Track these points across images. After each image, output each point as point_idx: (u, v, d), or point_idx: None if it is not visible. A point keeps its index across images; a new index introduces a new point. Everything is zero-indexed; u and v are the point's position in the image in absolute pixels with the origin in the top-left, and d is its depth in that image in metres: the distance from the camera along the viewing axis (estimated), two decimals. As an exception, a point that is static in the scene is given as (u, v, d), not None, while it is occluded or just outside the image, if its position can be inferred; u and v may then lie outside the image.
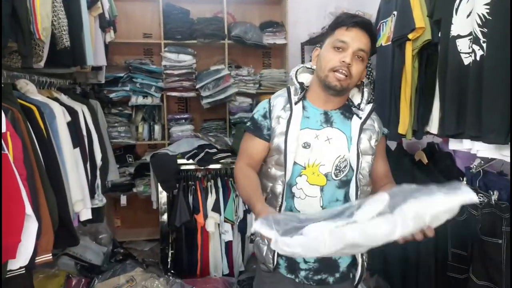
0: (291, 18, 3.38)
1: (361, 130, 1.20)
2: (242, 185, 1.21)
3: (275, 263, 1.24)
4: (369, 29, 1.16)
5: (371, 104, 1.25)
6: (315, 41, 3.20)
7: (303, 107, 1.23)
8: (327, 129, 1.21)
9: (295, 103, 1.22)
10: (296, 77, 1.27)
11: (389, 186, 1.22)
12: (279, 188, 1.20)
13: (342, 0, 3.42)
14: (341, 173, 1.21)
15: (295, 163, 1.20)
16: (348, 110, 1.26)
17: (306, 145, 1.19)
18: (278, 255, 1.24)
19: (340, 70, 1.13)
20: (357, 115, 1.23)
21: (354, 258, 1.26)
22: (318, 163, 1.19)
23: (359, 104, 1.24)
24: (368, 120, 1.22)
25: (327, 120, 1.23)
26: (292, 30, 3.41)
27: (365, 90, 1.25)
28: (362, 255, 1.22)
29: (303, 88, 1.26)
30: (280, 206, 1.21)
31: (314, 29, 3.30)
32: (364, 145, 1.20)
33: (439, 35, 1.58)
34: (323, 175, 1.19)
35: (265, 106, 1.27)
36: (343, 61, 1.12)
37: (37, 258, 1.46)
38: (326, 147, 1.20)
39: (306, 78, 1.29)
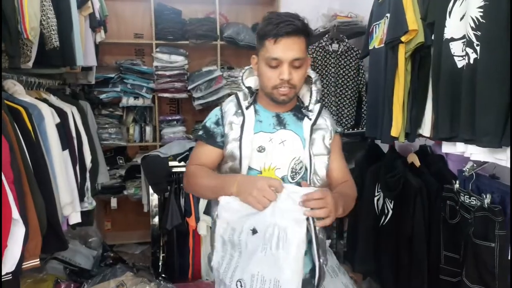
0: (284, 20, 3.37)
1: (312, 131, 1.19)
2: (203, 178, 1.16)
3: None
4: (298, 31, 1.10)
5: (319, 104, 1.24)
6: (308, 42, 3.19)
7: (255, 111, 1.22)
8: (280, 131, 1.20)
9: (246, 108, 1.21)
10: (243, 82, 1.26)
11: (343, 186, 1.23)
12: None
13: (334, 1, 3.43)
14: (297, 175, 1.20)
15: (250, 168, 1.18)
16: (299, 111, 1.25)
17: (261, 149, 1.17)
18: None
19: (282, 86, 1.13)
20: (308, 117, 1.22)
21: (314, 263, 1.18)
22: (274, 166, 1.18)
23: (307, 106, 1.23)
24: (318, 120, 1.22)
25: (280, 122, 1.22)
26: (284, 31, 3.40)
27: (314, 89, 1.23)
28: (319, 258, 1.14)
29: (252, 92, 1.25)
30: None
31: (307, 30, 3.30)
32: (317, 146, 1.20)
33: (433, 37, 1.58)
34: (279, 179, 1.18)
35: (217, 113, 1.25)
36: (282, 79, 1.11)
37: (24, 263, 1.43)
38: (281, 149, 1.18)
39: (254, 81, 1.27)
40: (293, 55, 1.10)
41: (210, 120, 1.26)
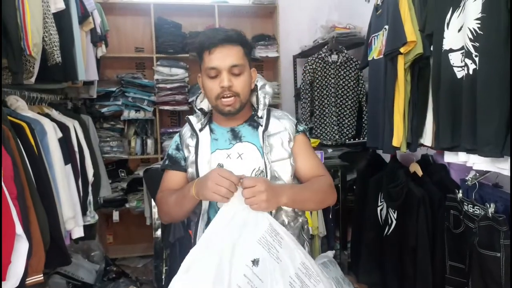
0: (283, 31, 3.41)
1: (264, 138, 1.15)
2: (170, 197, 1.17)
3: None
4: (231, 39, 1.11)
5: (266, 109, 1.20)
6: (307, 53, 3.22)
7: (211, 130, 1.21)
8: (237, 145, 1.18)
9: (200, 130, 1.20)
10: (195, 105, 1.26)
11: (311, 180, 1.18)
12: (197, 217, 1.17)
13: (333, 13, 3.47)
14: None
15: None
16: (253, 120, 1.22)
17: (220, 167, 1.15)
18: None
19: (224, 95, 1.11)
20: (260, 124, 1.19)
21: None
22: None
23: (257, 113, 1.20)
24: (270, 125, 1.18)
25: (235, 136, 1.19)
26: (284, 43, 3.44)
27: (260, 95, 1.20)
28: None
29: (205, 112, 1.24)
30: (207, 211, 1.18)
31: (306, 42, 3.33)
32: (275, 151, 1.15)
33: (431, 49, 1.59)
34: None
35: (176, 139, 1.27)
36: (222, 86, 1.10)
37: (28, 279, 1.42)
38: (239, 164, 1.15)
39: (207, 102, 1.25)
40: (230, 61, 1.10)
41: (171, 147, 1.27)
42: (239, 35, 1.14)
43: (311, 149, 1.26)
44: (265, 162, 1.14)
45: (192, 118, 1.24)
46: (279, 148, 1.16)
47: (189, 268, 0.94)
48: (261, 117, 1.19)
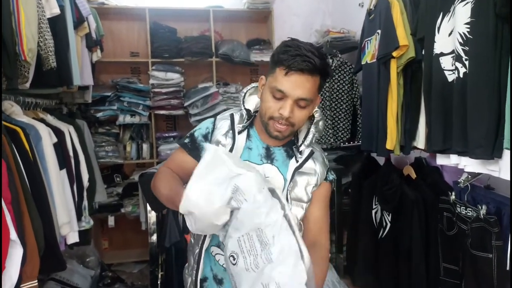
0: (278, 36, 3.42)
1: (294, 174, 1.09)
2: (166, 181, 1.09)
3: None
4: (314, 70, 1.00)
5: (310, 149, 1.12)
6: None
7: (248, 135, 1.14)
8: (266, 165, 1.11)
9: (239, 132, 1.12)
10: (243, 101, 1.17)
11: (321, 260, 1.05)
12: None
13: (327, 18, 3.50)
14: None
15: None
16: (291, 147, 1.15)
17: None
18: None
19: (280, 121, 1.04)
20: (295, 158, 1.11)
21: None
22: None
23: (299, 146, 1.12)
24: (306, 164, 1.11)
25: (268, 156, 1.13)
26: (278, 47, 3.45)
27: (312, 130, 1.13)
28: None
29: (250, 115, 1.15)
30: (208, 244, 1.12)
31: (301, 46, 3.35)
32: (297, 190, 1.09)
33: (423, 52, 1.62)
34: None
35: (209, 126, 1.17)
36: (281, 113, 1.02)
37: (22, 285, 1.41)
38: None
39: (255, 101, 1.17)
40: (301, 94, 1.01)
41: (199, 130, 1.18)
42: (323, 65, 1.02)
43: (328, 201, 1.17)
44: (286, 197, 1.07)
45: (236, 117, 1.15)
46: (302, 190, 1.10)
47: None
48: (301, 152, 1.12)
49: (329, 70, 1.05)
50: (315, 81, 1.02)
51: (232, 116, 1.16)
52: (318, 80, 1.03)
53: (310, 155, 1.12)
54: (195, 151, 1.14)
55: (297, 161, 1.11)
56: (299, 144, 1.13)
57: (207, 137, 1.16)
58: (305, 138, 1.13)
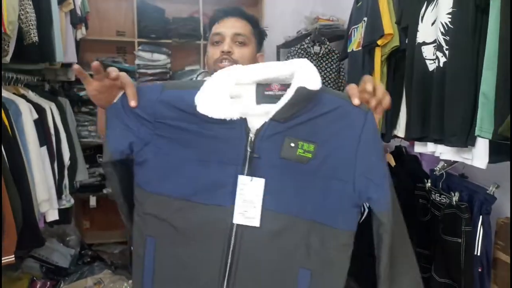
0: (267, 22, 3.39)
1: None
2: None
3: None
4: (240, 13, 1.15)
5: None
6: (291, 44, 3.23)
7: None
8: None
9: None
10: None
11: None
12: None
13: (317, 5, 3.48)
14: None
15: None
16: None
17: None
18: None
19: (223, 60, 1.11)
20: None
21: None
22: None
23: None
24: None
25: None
26: (268, 33, 3.39)
27: None
28: None
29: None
30: None
31: (290, 32, 3.34)
32: None
33: (406, 41, 1.63)
34: None
35: None
36: (222, 51, 1.11)
37: (-2, 259, 1.41)
38: None
39: None
40: (235, 30, 1.12)
41: None
42: (250, 14, 1.16)
43: None
44: None
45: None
46: None
47: None
48: None
49: (256, 20, 1.18)
50: (245, 24, 1.14)
51: None
52: (248, 25, 1.15)
53: None
54: None
55: None
56: None
57: None
58: None
